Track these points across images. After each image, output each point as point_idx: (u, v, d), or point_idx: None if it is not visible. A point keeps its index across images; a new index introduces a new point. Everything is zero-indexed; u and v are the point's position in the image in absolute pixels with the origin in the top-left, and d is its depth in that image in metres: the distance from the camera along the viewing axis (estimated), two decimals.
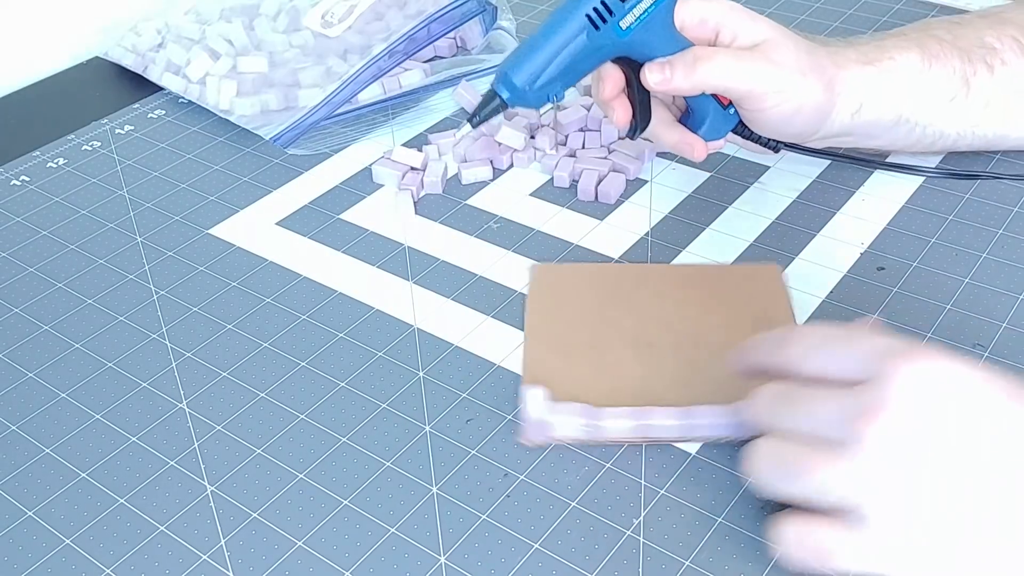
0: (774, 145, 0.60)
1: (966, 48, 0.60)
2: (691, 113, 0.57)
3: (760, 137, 0.59)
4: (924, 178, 0.65)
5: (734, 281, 0.58)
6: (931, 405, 0.40)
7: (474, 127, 0.53)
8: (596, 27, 0.51)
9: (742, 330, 0.51)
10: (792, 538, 0.42)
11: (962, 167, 0.65)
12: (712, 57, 0.53)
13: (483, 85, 0.78)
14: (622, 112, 0.56)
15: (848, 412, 0.40)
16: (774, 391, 0.44)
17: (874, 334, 0.43)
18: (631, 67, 0.54)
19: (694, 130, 0.57)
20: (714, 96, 0.56)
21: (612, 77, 0.55)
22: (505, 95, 0.52)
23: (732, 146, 0.69)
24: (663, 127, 0.57)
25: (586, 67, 0.53)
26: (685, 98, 0.57)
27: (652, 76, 0.53)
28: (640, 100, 0.55)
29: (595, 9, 0.51)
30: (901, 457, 0.39)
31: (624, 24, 0.52)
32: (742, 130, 0.58)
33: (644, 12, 0.52)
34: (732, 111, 0.57)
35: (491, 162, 0.70)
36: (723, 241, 0.62)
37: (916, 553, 0.40)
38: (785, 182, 0.66)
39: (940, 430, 0.39)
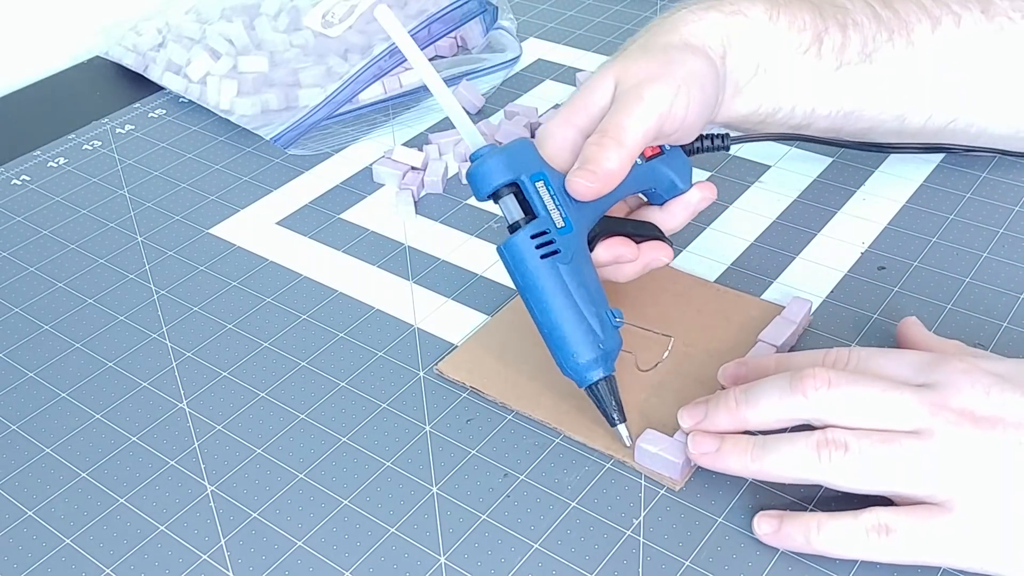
0: (721, 144, 0.56)
1: (817, 3, 0.57)
2: (651, 191, 0.53)
3: (703, 141, 0.55)
4: (924, 178, 0.65)
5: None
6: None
7: (622, 421, 0.48)
8: (556, 252, 0.47)
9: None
10: (871, 523, 0.42)
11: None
12: (613, 125, 0.50)
13: (484, 85, 0.78)
14: (657, 249, 0.52)
15: (921, 403, 0.42)
16: (825, 379, 0.44)
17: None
18: (608, 225, 0.51)
19: (670, 196, 0.53)
20: (646, 157, 0.52)
21: (611, 246, 0.51)
22: (599, 374, 0.48)
23: (733, 146, 0.69)
24: (620, 270, 0.52)
25: (589, 273, 0.49)
26: (637, 192, 0.53)
27: (581, 183, 0.48)
28: (640, 225, 0.53)
29: (537, 247, 0.47)
30: (986, 444, 0.41)
31: (559, 224, 0.48)
32: (687, 149, 0.55)
33: (552, 198, 0.49)
34: (668, 147, 0.53)
35: None
36: (723, 241, 0.62)
37: (1001, 544, 0.41)
38: (786, 182, 0.66)
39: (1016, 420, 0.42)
